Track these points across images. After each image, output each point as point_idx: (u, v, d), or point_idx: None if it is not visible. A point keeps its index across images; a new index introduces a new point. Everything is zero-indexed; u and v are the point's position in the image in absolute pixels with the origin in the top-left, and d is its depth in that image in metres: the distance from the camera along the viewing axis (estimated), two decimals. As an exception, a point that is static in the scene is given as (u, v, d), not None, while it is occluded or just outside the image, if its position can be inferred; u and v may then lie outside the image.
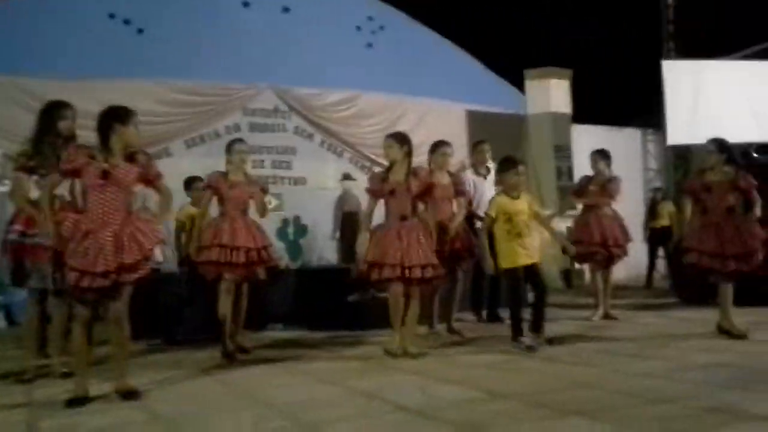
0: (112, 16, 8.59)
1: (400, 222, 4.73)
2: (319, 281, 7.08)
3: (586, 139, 11.65)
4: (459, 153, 10.82)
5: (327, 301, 6.64)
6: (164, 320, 6.12)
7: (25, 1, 8.35)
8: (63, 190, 4.15)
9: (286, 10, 9.65)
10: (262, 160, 9.50)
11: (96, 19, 8.52)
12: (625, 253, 6.64)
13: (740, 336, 4.99)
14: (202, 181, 5.74)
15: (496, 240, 5.03)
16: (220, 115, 9.36)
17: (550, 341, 4.97)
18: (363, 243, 4.82)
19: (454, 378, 4.00)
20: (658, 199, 10.65)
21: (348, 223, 9.64)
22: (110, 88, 7.51)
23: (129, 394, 3.61)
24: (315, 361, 4.78)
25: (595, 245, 6.42)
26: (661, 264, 10.90)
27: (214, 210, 5.26)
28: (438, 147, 5.74)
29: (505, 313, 5.73)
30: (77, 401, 3.50)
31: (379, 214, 4.95)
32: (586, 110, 11.60)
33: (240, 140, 5.53)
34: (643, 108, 12.30)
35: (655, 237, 10.28)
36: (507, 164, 5.18)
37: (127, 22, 8.67)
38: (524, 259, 4.95)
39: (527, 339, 4.89)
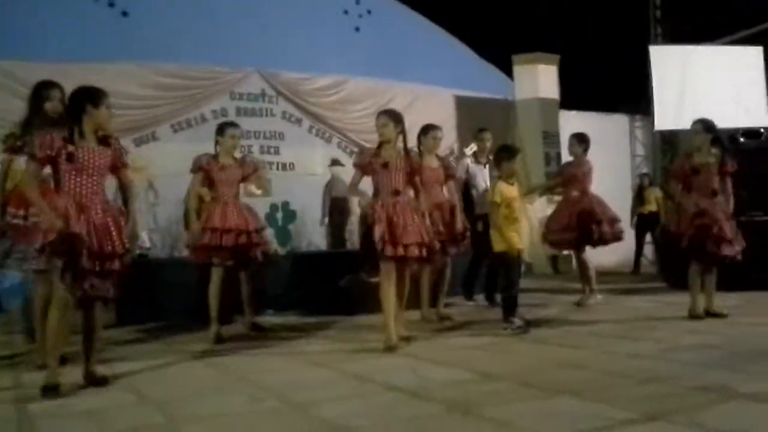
0: (96, -1, 8.46)
1: (393, 197, 4.56)
2: (309, 266, 7.07)
3: (574, 125, 11.63)
4: (447, 138, 10.85)
5: (317, 286, 6.64)
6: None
7: (9, -17, 8.22)
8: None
9: (273, -8, 9.56)
10: (250, 146, 9.41)
11: (81, 1, 8.40)
12: (602, 233, 6.38)
13: (708, 316, 5.17)
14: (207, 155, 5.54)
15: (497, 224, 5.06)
16: (206, 99, 9.27)
17: (528, 322, 4.97)
18: (366, 197, 4.71)
19: (445, 360, 4.01)
20: (645, 185, 10.71)
21: (336, 208, 9.63)
22: (95, 71, 7.40)
23: (99, 381, 3.53)
24: (307, 345, 4.77)
25: (562, 231, 6.42)
26: (648, 249, 10.97)
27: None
28: (428, 130, 5.69)
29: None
30: (50, 389, 3.34)
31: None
32: (574, 96, 11.62)
33: (233, 124, 5.47)
34: (631, 94, 12.31)
35: (643, 222, 10.35)
36: (506, 152, 5.23)
37: (111, 4, 8.54)
38: (518, 245, 5.01)
39: (518, 320, 4.92)
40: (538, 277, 9.56)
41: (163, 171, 8.56)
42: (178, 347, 4.83)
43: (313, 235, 9.73)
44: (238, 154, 5.44)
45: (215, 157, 5.16)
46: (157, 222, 8.68)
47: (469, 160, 6.59)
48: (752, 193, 7.39)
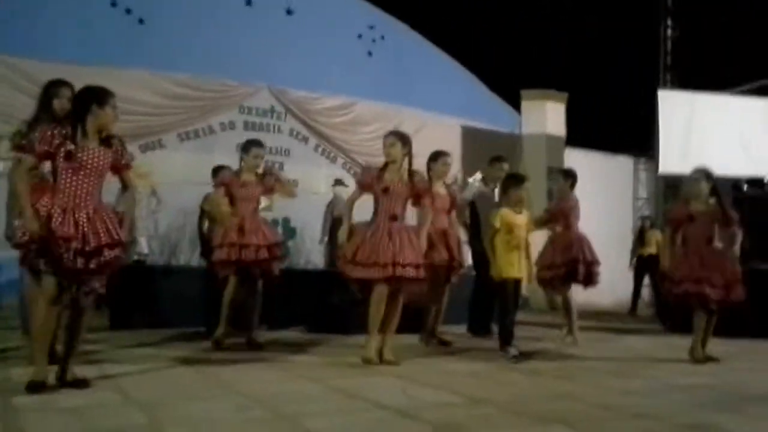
0: (114, 4, 8.55)
1: (390, 222, 4.57)
2: (306, 284, 7.03)
3: (578, 163, 11.72)
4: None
5: (313, 304, 6.61)
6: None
7: (28, -18, 8.32)
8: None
9: (289, 12, 9.65)
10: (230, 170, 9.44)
11: (98, 5, 8.50)
12: (576, 272, 6.14)
13: (707, 360, 5.06)
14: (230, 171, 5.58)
15: (495, 250, 5.06)
16: (215, 111, 9.34)
17: (516, 357, 4.89)
18: (344, 233, 4.64)
19: (435, 383, 3.97)
20: (646, 227, 10.71)
21: (337, 228, 9.55)
22: (107, 75, 7.42)
23: (78, 383, 3.44)
24: (298, 360, 4.73)
25: (547, 269, 6.25)
26: (646, 292, 10.93)
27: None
28: (438, 156, 5.66)
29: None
30: (35, 386, 3.28)
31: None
32: (579, 134, 11.68)
33: (258, 143, 5.50)
34: (636, 137, 12.39)
35: (642, 264, 10.34)
36: (513, 180, 5.23)
37: (128, 11, 8.64)
38: (516, 273, 4.99)
39: (514, 349, 4.89)
40: (535, 311, 9.50)
41: (166, 179, 8.59)
42: (169, 353, 4.78)
43: (312, 253, 9.72)
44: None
45: (237, 173, 5.28)
46: (158, 229, 8.67)
47: (478, 184, 6.57)
48: (754, 242, 7.39)
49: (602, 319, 9.11)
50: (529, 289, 5.72)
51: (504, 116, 11.58)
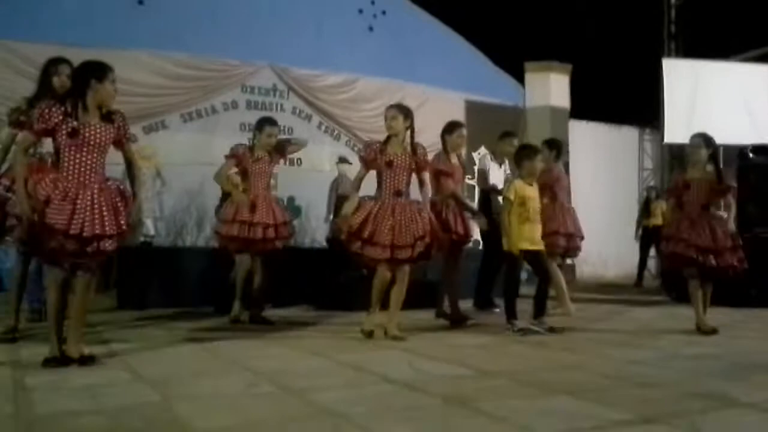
0: (113, -15, 8.50)
1: (394, 197, 4.56)
2: (308, 261, 7.07)
3: (583, 135, 11.71)
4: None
5: (318, 282, 6.64)
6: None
7: (27, -35, 8.26)
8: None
9: (289, -11, 9.59)
10: (242, 144, 9.43)
11: (97, -14, 8.45)
12: (555, 244, 6.01)
13: (711, 331, 4.97)
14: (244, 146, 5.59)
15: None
16: (217, 91, 9.32)
17: (552, 329, 4.92)
18: (351, 206, 4.60)
19: (442, 356, 4.00)
20: (652, 198, 10.68)
21: (341, 206, 9.62)
22: (108, 57, 7.21)
23: (84, 359, 3.47)
24: (305, 336, 4.77)
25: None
26: (652, 263, 10.94)
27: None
28: (454, 128, 5.56)
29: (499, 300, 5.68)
30: (52, 360, 3.42)
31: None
32: (583, 106, 11.61)
33: (272, 121, 5.51)
34: (641, 107, 12.31)
35: (648, 236, 10.32)
36: (528, 151, 5.17)
37: (128, -8, 8.59)
38: (527, 245, 4.96)
39: (520, 322, 4.91)
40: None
41: (170, 160, 8.60)
42: (177, 332, 4.83)
43: (317, 232, 9.74)
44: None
45: (251, 149, 5.30)
46: (163, 210, 8.71)
47: (490, 157, 6.54)
48: (759, 209, 7.38)
49: (608, 291, 9.14)
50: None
51: (508, 89, 11.51)
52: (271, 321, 5.29)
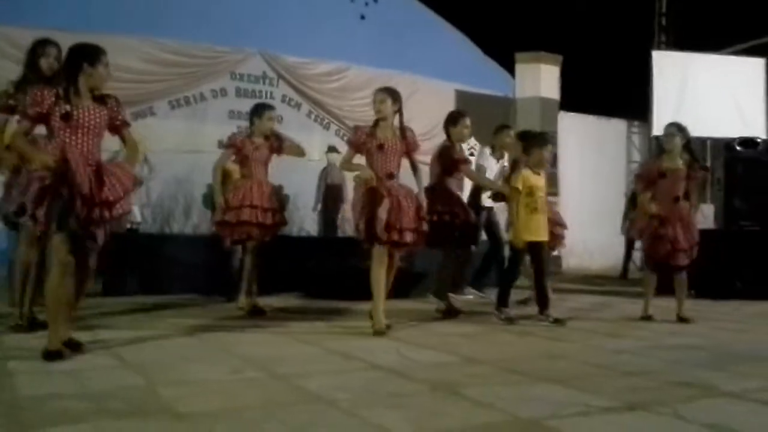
0: (101, -31, 8.39)
1: (387, 180, 4.47)
2: (297, 250, 7.05)
3: (571, 126, 11.72)
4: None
5: (304, 270, 6.63)
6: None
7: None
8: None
9: (279, -25, 9.51)
10: (240, 131, 9.37)
11: (84, -30, 8.33)
12: None
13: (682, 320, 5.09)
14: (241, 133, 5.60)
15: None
16: (206, 78, 9.24)
17: (558, 320, 4.91)
18: (365, 168, 4.47)
19: (429, 344, 4.01)
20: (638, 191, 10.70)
21: (330, 196, 9.60)
22: (95, 41, 7.26)
23: (72, 345, 3.42)
24: (292, 324, 4.75)
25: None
26: (637, 256, 10.99)
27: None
28: (459, 119, 5.43)
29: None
30: (51, 354, 3.23)
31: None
32: (572, 98, 11.62)
33: (269, 106, 5.55)
34: (630, 100, 12.34)
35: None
36: (537, 140, 5.15)
37: (116, -24, 8.48)
38: (532, 236, 4.94)
39: (510, 311, 4.92)
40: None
41: (158, 147, 8.51)
42: (164, 318, 4.82)
43: (305, 221, 9.71)
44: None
45: (249, 136, 5.27)
46: (150, 197, 8.64)
47: (488, 150, 6.51)
48: (745, 203, 7.44)
49: (593, 283, 9.19)
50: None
51: (498, 80, 11.49)
52: (263, 310, 5.27)
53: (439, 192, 5.23)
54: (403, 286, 5.31)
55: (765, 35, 11.19)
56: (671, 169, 5.11)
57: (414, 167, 4.71)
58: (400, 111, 4.61)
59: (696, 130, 9.76)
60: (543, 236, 5.02)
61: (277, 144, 5.35)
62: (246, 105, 9.24)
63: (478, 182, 5.66)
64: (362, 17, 10.20)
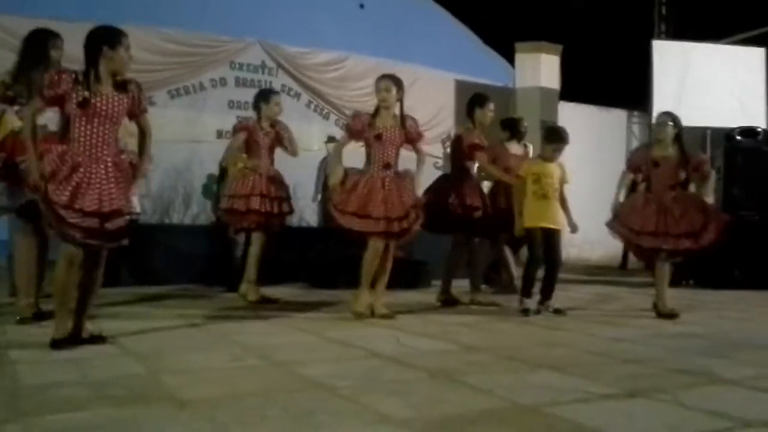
0: (98, -42, 8.33)
1: (383, 170, 4.45)
2: (297, 240, 7.05)
3: (571, 117, 11.68)
4: (446, 122, 10.83)
5: (305, 260, 6.65)
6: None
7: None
8: (44, 120, 4.05)
9: (278, -36, 9.47)
10: (248, 117, 9.35)
11: (83, -40, 8.29)
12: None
13: (671, 315, 4.80)
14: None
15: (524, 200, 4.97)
16: (206, 68, 9.20)
17: (558, 311, 4.92)
18: (336, 176, 4.44)
19: (429, 333, 4.02)
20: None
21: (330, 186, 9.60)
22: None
23: (95, 339, 3.38)
24: (293, 313, 4.74)
25: None
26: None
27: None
28: (485, 102, 5.32)
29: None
30: (58, 343, 3.22)
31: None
32: (572, 88, 11.59)
33: (276, 92, 5.59)
34: (630, 90, 12.31)
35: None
36: (554, 137, 5.07)
37: (114, -35, 8.43)
38: (542, 222, 4.89)
39: (529, 302, 4.86)
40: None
41: (157, 136, 8.36)
42: (164, 309, 4.82)
43: (305, 211, 9.69)
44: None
45: (257, 122, 5.25)
46: (149, 188, 8.63)
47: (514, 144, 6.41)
48: (744, 192, 7.44)
49: (593, 273, 9.21)
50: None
51: (498, 70, 11.45)
52: (275, 300, 5.26)
53: (455, 180, 5.20)
54: (401, 276, 5.32)
55: (765, 25, 11.15)
56: (663, 157, 4.98)
57: (417, 153, 4.65)
58: (401, 100, 4.58)
59: (696, 120, 9.85)
60: (554, 223, 4.94)
61: (286, 134, 5.31)
62: (245, 95, 9.24)
63: (488, 171, 5.56)
64: (361, 6, 10.19)
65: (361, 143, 4.61)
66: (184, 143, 8.77)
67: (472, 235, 5.37)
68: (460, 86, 10.75)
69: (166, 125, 8.69)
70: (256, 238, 5.23)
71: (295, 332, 4.01)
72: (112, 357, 3.15)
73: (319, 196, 9.52)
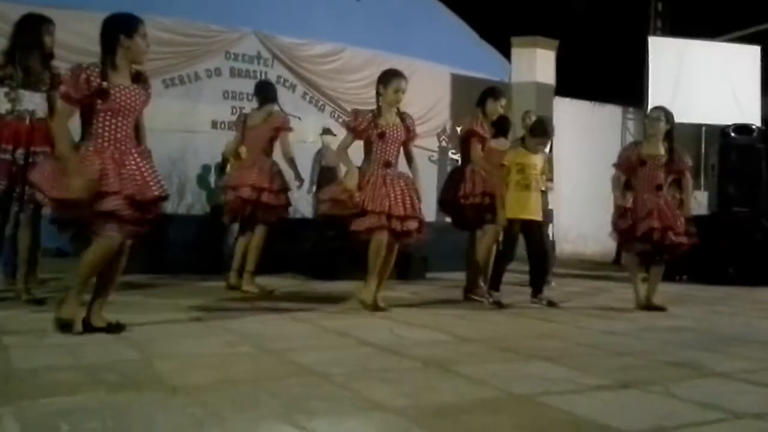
0: (93, -55, 8.28)
1: (384, 169, 4.39)
2: (292, 231, 7.04)
3: (566, 112, 11.71)
4: (441, 115, 10.84)
5: (299, 251, 6.65)
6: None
7: None
8: (33, 105, 4.03)
9: (275, -46, 9.43)
10: (242, 108, 9.33)
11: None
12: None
13: (651, 308, 4.87)
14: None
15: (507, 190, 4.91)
16: (201, 57, 9.18)
17: (551, 303, 4.93)
18: (353, 176, 4.32)
19: (423, 323, 4.02)
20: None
21: (325, 178, 9.57)
22: (86, 18, 7.28)
23: (113, 327, 3.29)
24: (287, 304, 4.74)
25: None
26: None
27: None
28: (498, 95, 5.24)
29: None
30: (65, 324, 3.14)
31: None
32: (567, 83, 11.60)
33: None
34: (625, 86, 12.33)
35: (628, 214, 10.39)
36: (538, 131, 4.99)
37: (110, -48, 8.37)
38: (525, 214, 4.86)
39: (499, 295, 4.88)
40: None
41: (151, 126, 8.38)
42: (160, 297, 4.81)
43: (299, 203, 9.67)
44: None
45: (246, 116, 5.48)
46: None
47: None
48: (739, 189, 7.48)
49: (587, 268, 9.25)
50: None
51: (494, 64, 11.46)
52: (270, 290, 5.27)
53: (465, 173, 5.16)
54: (400, 267, 5.32)
55: (761, 23, 11.19)
56: (651, 155, 4.88)
57: (409, 158, 4.60)
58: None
59: (691, 117, 9.88)
60: (536, 215, 4.93)
61: (282, 126, 5.39)
62: (240, 85, 9.24)
63: (476, 159, 5.49)
64: (357, -2, 10.17)
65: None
66: (179, 133, 8.75)
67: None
68: (456, 80, 10.77)
69: (160, 114, 8.65)
70: (259, 231, 5.25)
71: (290, 321, 4.01)
72: (105, 342, 3.13)
73: (314, 188, 9.51)
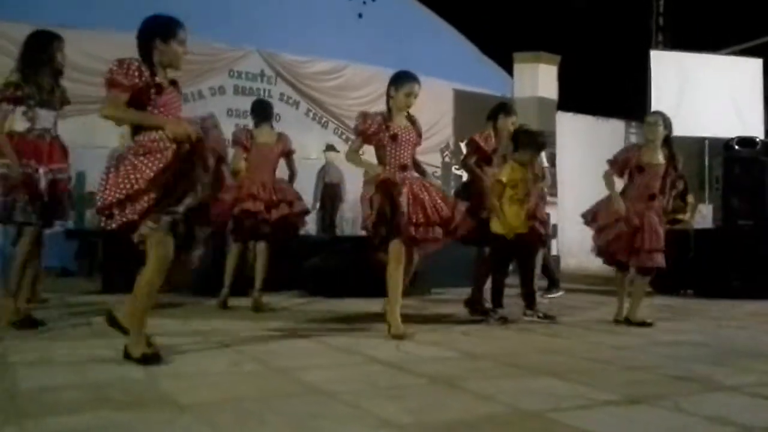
0: (98, -35, 8.39)
1: (400, 172, 4.14)
2: (296, 249, 7.03)
3: (568, 127, 11.73)
4: (444, 131, 10.87)
5: (304, 268, 6.64)
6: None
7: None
8: (48, 123, 4.04)
9: (277, -27, 9.53)
10: (246, 125, 9.36)
11: (83, -33, 8.33)
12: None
13: (643, 324, 4.75)
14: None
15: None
16: (204, 75, 9.24)
17: (547, 316, 4.90)
18: (374, 165, 4.13)
19: (429, 340, 4.00)
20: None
21: (328, 195, 9.60)
22: (95, 38, 7.39)
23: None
24: (292, 321, 4.74)
25: None
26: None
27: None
28: (511, 112, 5.20)
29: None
30: (148, 358, 2.99)
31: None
32: (570, 98, 11.63)
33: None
34: (627, 100, 12.37)
35: (632, 227, 10.37)
36: (531, 145, 4.88)
37: (114, -28, 8.46)
38: (521, 228, 4.80)
39: (503, 311, 4.85)
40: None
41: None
42: (162, 314, 4.78)
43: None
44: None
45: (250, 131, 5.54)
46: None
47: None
48: (742, 201, 7.46)
49: (592, 282, 9.19)
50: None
51: (496, 79, 11.53)
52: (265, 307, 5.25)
53: (475, 188, 5.12)
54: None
55: (763, 36, 11.22)
56: (651, 164, 4.77)
57: (414, 162, 4.36)
58: None
59: (694, 130, 9.87)
60: (523, 227, 4.82)
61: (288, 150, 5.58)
62: (244, 103, 9.27)
63: (469, 167, 5.35)
64: (360, 16, 10.23)
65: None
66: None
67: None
68: (459, 96, 10.81)
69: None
70: (261, 249, 5.28)
71: (294, 338, 4.00)
72: (110, 361, 3.12)
73: (317, 205, 9.52)
